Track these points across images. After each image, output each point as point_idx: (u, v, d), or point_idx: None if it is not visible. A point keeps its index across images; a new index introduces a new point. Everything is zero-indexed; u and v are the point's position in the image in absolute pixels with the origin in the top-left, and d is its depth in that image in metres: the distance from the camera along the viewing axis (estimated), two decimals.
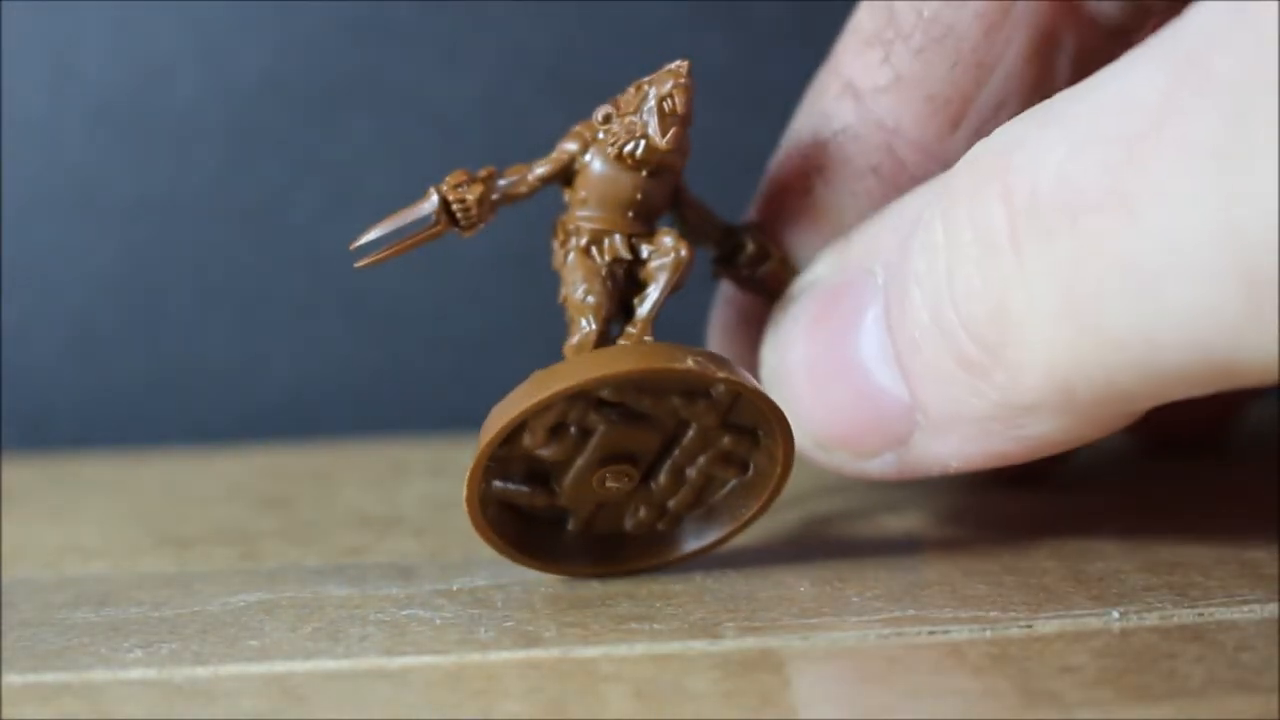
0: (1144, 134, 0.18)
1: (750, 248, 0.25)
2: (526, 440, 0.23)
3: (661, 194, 0.24)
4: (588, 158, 0.24)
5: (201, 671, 0.21)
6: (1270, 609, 0.22)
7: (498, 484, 0.23)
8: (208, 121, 0.39)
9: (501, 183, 0.24)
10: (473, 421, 0.38)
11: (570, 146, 0.24)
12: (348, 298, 0.39)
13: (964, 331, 0.21)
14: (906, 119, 0.24)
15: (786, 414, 0.23)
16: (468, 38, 0.39)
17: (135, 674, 0.21)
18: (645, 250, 0.24)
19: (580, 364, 0.22)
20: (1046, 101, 0.21)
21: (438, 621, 0.23)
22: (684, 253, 0.23)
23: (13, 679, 0.21)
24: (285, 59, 0.39)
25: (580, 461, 0.23)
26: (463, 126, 0.39)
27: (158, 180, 0.39)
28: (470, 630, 0.22)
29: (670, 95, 0.23)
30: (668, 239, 0.24)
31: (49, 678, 0.21)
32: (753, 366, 0.25)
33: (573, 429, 0.23)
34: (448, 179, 0.24)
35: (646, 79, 0.23)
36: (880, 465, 0.24)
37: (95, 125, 0.39)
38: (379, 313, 0.39)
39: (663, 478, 0.24)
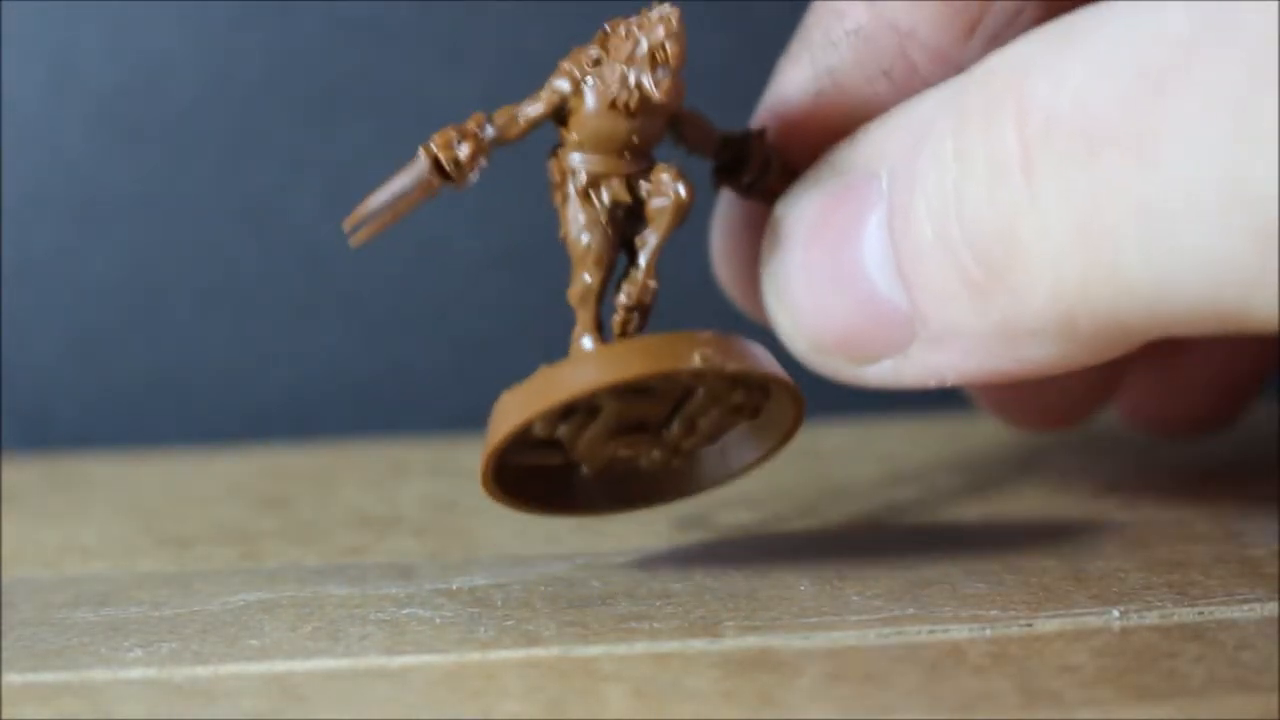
0: (1168, 71, 0.18)
1: (753, 158, 0.25)
2: (535, 430, 0.23)
3: (658, 128, 0.23)
4: (580, 98, 0.23)
5: (201, 671, 0.21)
6: (1270, 608, 0.22)
7: (510, 461, 0.24)
8: (207, 121, 0.39)
9: (491, 131, 0.23)
10: (473, 421, 0.38)
11: (562, 85, 0.23)
12: (348, 298, 0.39)
13: (969, 251, 0.21)
14: (921, 22, 0.24)
15: (786, 317, 0.23)
16: (468, 38, 0.39)
17: (135, 674, 0.21)
18: (644, 187, 0.23)
19: (585, 369, 0.22)
20: (1066, 18, 0.20)
21: (438, 621, 0.23)
22: (684, 193, 0.23)
23: (13, 679, 0.21)
24: (285, 59, 0.39)
25: (590, 433, 0.23)
26: None
27: (158, 180, 0.39)
28: (470, 630, 0.22)
29: (662, 45, 0.22)
30: (666, 176, 0.23)
31: (49, 677, 0.21)
32: (756, 272, 0.24)
33: (580, 411, 0.23)
34: (436, 138, 0.23)
35: (634, 21, 0.23)
36: (878, 373, 0.23)
37: (95, 125, 0.39)
38: (379, 313, 0.39)
39: (675, 427, 0.24)
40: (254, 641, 0.22)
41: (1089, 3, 0.20)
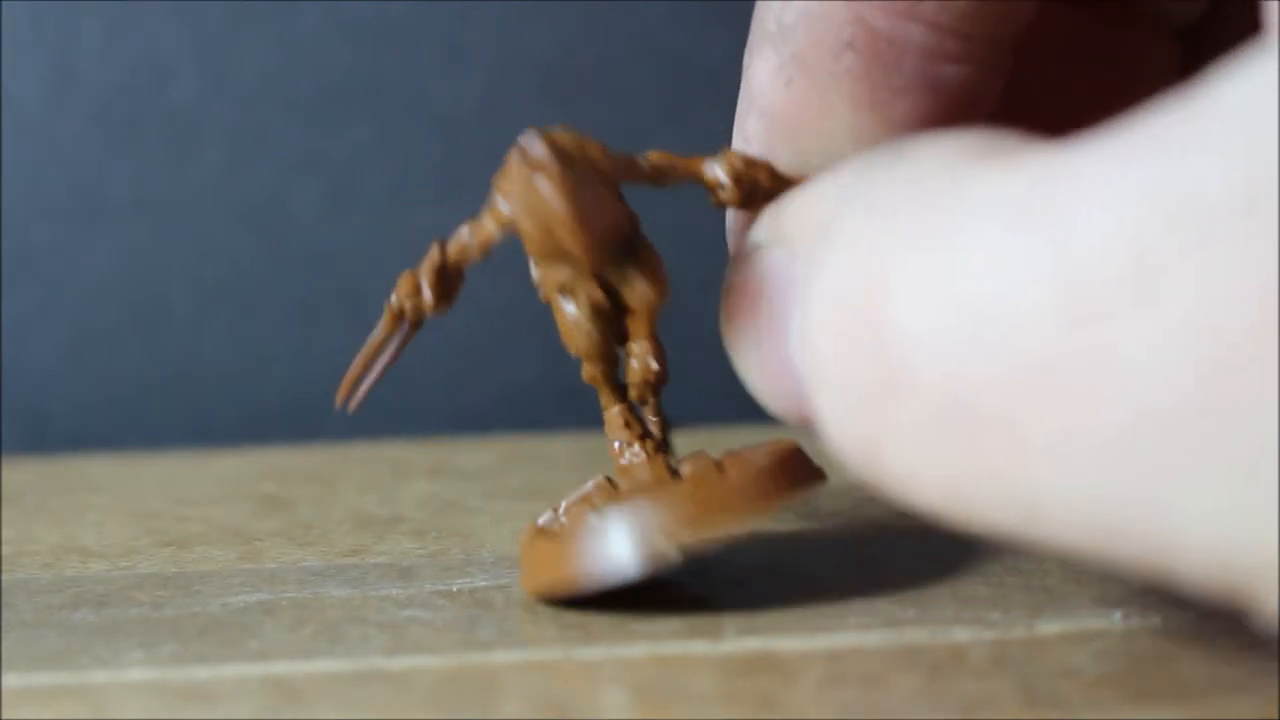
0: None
1: (729, 191, 0.23)
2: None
3: (608, 209, 0.22)
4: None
5: (201, 672, 0.21)
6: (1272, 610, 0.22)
7: None
8: (207, 121, 0.39)
9: (449, 261, 0.23)
10: (473, 422, 0.38)
11: (503, 208, 0.22)
12: (348, 298, 0.39)
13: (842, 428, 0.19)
14: None
15: (744, 375, 0.22)
16: (468, 38, 0.39)
17: (135, 675, 0.21)
18: (618, 280, 0.22)
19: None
20: (950, 184, 0.18)
21: (438, 622, 0.23)
22: (654, 297, 0.22)
23: (12, 680, 0.21)
24: (285, 59, 0.39)
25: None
26: (463, 126, 0.39)
27: (158, 180, 0.39)
28: (470, 630, 0.22)
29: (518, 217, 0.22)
30: (635, 276, 0.22)
31: (48, 679, 0.21)
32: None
33: None
34: (400, 287, 0.23)
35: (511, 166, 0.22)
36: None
37: (95, 125, 0.39)
38: (379, 313, 0.39)
39: None
40: (254, 643, 0.22)
41: None
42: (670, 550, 0.22)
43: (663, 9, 0.39)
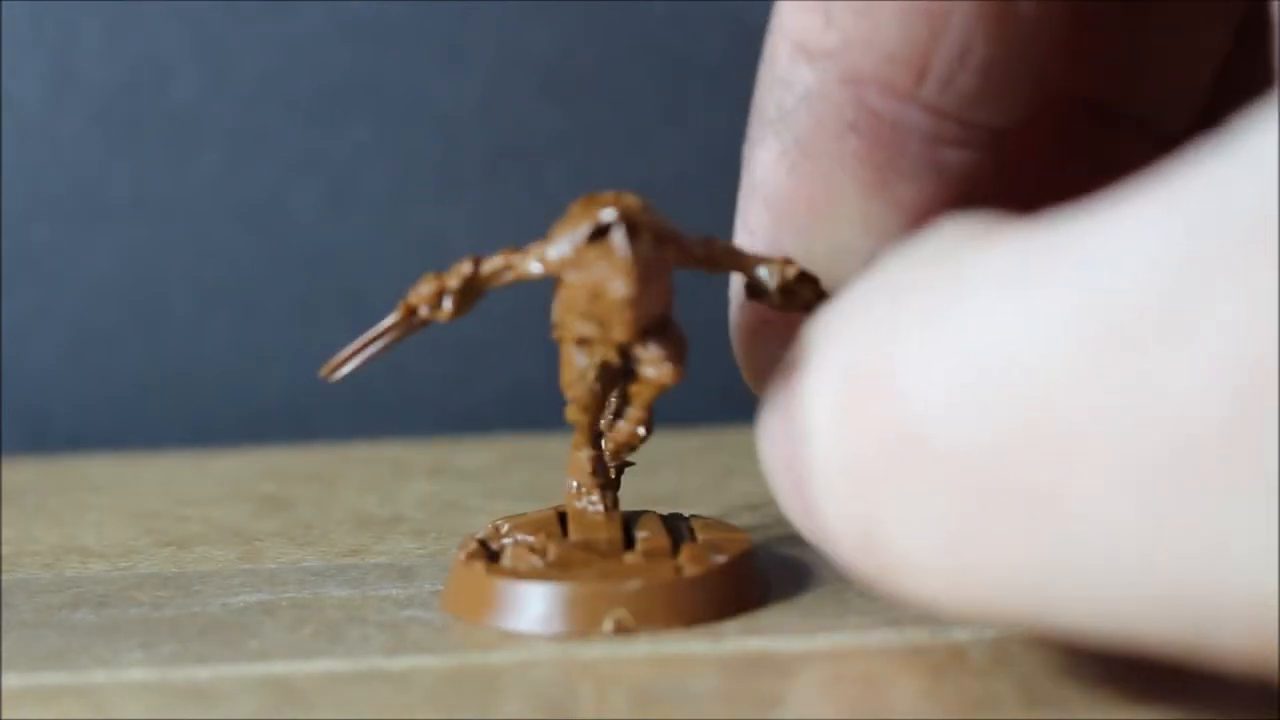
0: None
1: (774, 297, 0.23)
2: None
3: (660, 297, 0.22)
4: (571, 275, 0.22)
5: (201, 672, 0.21)
6: None
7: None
8: (207, 121, 0.39)
9: (482, 276, 0.23)
10: (473, 422, 0.38)
11: (561, 252, 0.22)
12: (348, 298, 0.39)
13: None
14: (870, 71, 0.22)
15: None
16: (468, 38, 0.39)
17: (135, 675, 0.21)
18: (637, 351, 0.22)
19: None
20: (952, 265, 0.17)
21: (438, 622, 0.23)
22: (668, 378, 0.22)
23: (12, 680, 0.21)
24: (285, 59, 0.39)
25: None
26: (463, 126, 0.39)
27: (158, 180, 0.39)
28: (470, 631, 0.22)
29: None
30: (657, 352, 0.22)
31: (49, 679, 0.21)
32: (771, 366, 0.24)
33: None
34: (421, 287, 0.23)
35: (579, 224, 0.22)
36: None
37: (95, 125, 0.39)
38: (379, 313, 0.39)
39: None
40: (254, 643, 0.22)
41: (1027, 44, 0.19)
42: (605, 630, 0.22)
43: (663, 9, 0.39)
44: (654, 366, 0.22)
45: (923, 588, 0.18)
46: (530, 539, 0.23)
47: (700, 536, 0.24)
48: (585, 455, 0.24)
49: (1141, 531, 0.15)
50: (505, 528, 0.24)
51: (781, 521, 0.28)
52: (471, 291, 0.23)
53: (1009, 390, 0.16)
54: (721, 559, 0.23)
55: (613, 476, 0.24)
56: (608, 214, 0.21)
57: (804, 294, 0.23)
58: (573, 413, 0.23)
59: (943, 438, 0.17)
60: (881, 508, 0.18)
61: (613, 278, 0.21)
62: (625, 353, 0.22)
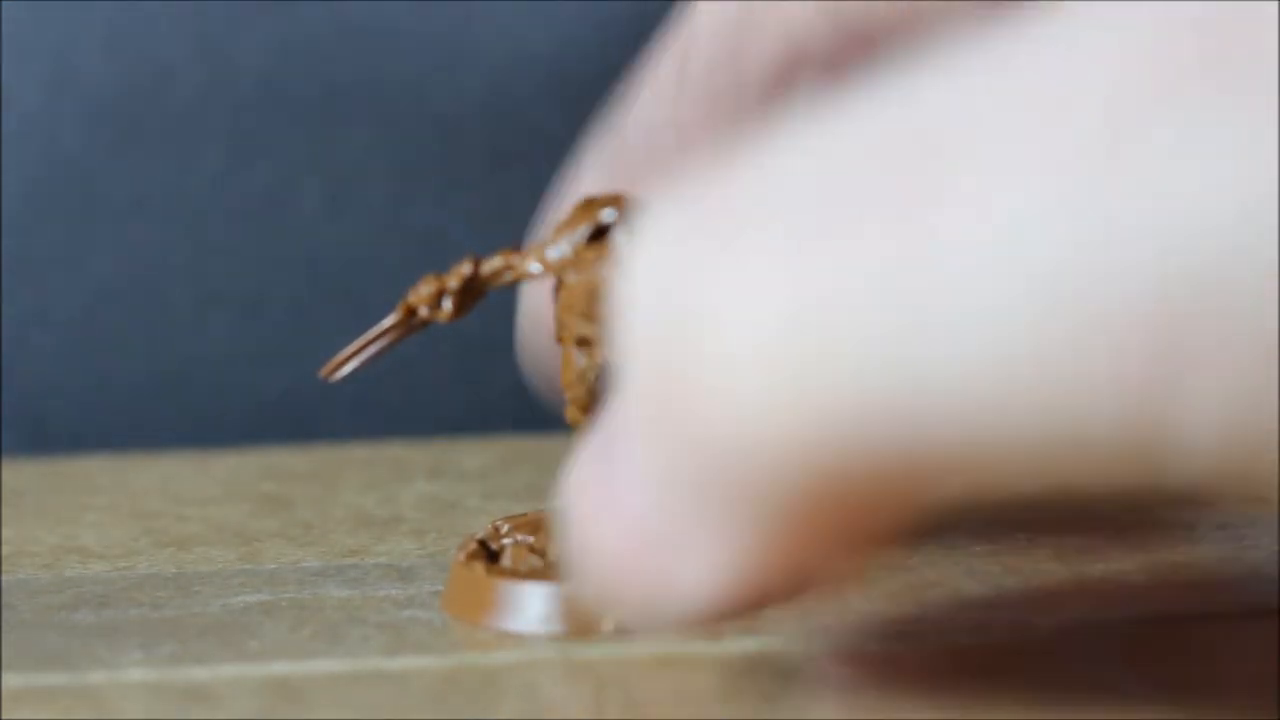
0: None
1: None
2: None
3: None
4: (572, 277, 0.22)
5: (201, 673, 0.21)
6: (1272, 608, 0.22)
7: None
8: (208, 121, 0.39)
9: (482, 277, 0.23)
10: (473, 422, 0.38)
11: (561, 253, 0.22)
12: (348, 298, 0.39)
13: None
14: None
15: None
16: (468, 38, 0.39)
17: (135, 675, 0.21)
18: None
19: None
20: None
21: (438, 622, 0.23)
22: None
23: (12, 680, 0.21)
24: (285, 59, 0.39)
25: None
26: (463, 126, 0.39)
27: (158, 180, 0.39)
28: (470, 631, 0.22)
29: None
30: None
31: (48, 679, 0.21)
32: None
33: None
34: (421, 287, 0.23)
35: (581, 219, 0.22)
36: None
37: (94, 125, 0.39)
38: (379, 313, 0.39)
39: None
40: (254, 643, 0.22)
41: None
42: (605, 630, 0.22)
43: (663, 9, 0.39)
44: None
45: (743, 386, 0.14)
46: (530, 539, 0.23)
47: None
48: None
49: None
50: (505, 528, 0.24)
51: None
52: (471, 292, 0.23)
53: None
54: None
55: None
56: (608, 214, 0.22)
57: None
58: (571, 414, 0.23)
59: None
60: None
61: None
62: None
